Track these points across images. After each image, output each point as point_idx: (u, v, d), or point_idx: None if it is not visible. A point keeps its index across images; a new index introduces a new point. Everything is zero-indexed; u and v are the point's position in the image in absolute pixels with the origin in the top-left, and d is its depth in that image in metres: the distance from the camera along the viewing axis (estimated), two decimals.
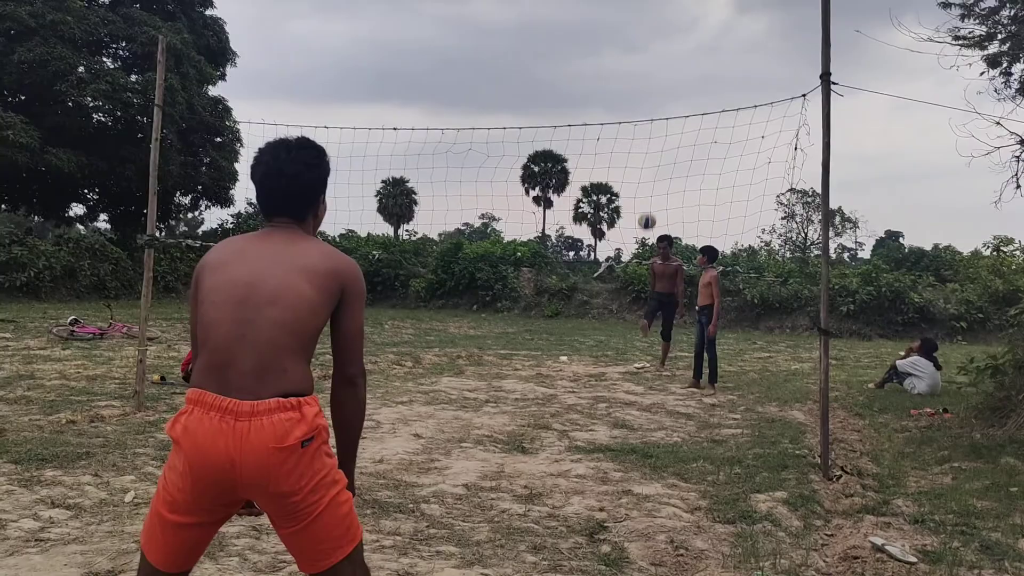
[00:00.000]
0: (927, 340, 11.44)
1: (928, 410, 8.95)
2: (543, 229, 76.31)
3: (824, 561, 4.21)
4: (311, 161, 2.40)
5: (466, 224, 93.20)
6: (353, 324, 2.33)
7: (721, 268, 11.87)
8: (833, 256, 71.11)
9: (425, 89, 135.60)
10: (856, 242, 76.59)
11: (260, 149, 2.42)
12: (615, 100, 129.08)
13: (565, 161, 70.25)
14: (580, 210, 72.81)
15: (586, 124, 7.89)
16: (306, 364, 2.25)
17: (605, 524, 4.69)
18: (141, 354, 7.81)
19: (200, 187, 30.91)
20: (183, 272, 27.46)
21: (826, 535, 4.66)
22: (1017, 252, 24.17)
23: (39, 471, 5.27)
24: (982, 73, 10.62)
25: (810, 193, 66.60)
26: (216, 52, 29.88)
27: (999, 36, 10.22)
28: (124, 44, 27.35)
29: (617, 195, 69.35)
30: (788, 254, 64.05)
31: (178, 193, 31.06)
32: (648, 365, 12.90)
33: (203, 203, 33.02)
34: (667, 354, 12.80)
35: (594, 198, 72.32)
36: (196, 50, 27.90)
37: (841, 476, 5.90)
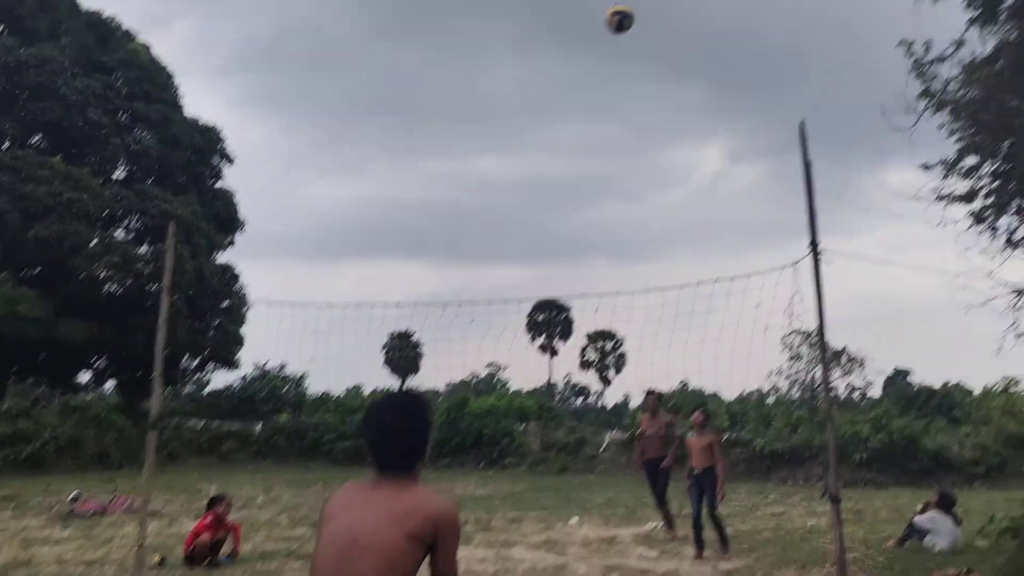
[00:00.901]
0: (944, 495, 11.21)
1: (951, 571, 8.67)
2: (549, 377, 76.34)
3: None
4: (415, 421, 2.70)
5: (472, 375, 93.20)
6: (445, 566, 2.54)
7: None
8: (842, 397, 70.42)
9: (429, 242, 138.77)
10: (865, 381, 76.01)
11: (368, 409, 2.75)
12: (618, 247, 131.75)
13: (569, 309, 71.36)
14: (586, 358, 73.03)
15: (584, 295, 8.09)
16: None
17: None
18: (140, 539, 7.68)
19: (207, 351, 31.20)
20: (187, 439, 27.34)
21: None
22: None
23: None
24: (969, 227, 10.93)
25: (813, 334, 66.87)
26: (225, 221, 30.94)
27: (982, 192, 10.59)
28: (136, 217, 28.34)
29: (622, 341, 69.91)
30: (796, 394, 63.51)
31: (185, 356, 31.30)
32: (660, 525, 12.57)
33: (210, 366, 33.23)
34: (671, 514, 12.22)
35: (599, 345, 72.67)
36: (206, 220, 28.89)
37: None
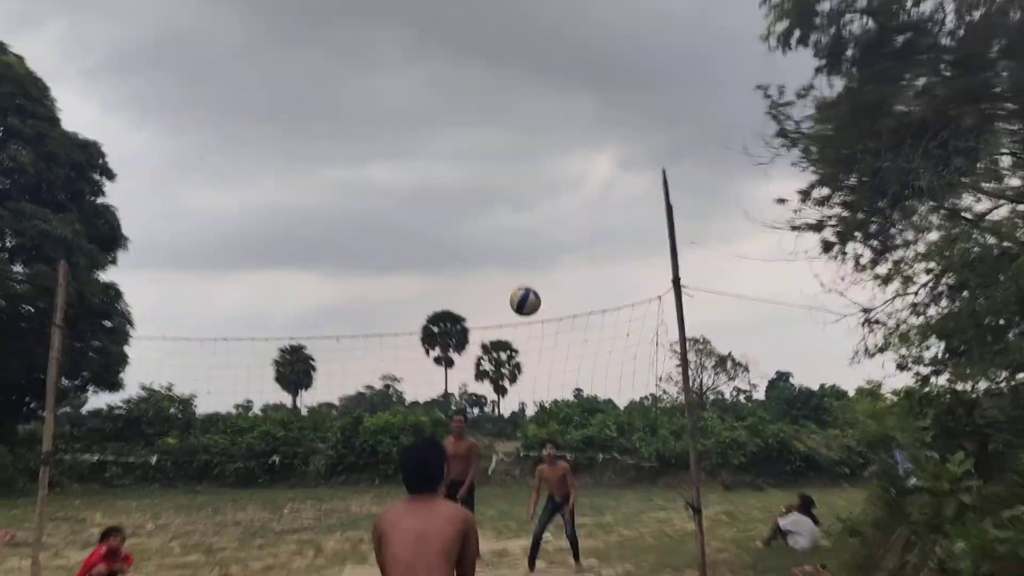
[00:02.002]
0: (805, 497, 12.17)
1: (808, 567, 9.51)
2: (445, 388, 76.54)
3: None
4: (435, 457, 3.88)
5: (368, 387, 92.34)
6: (472, 553, 3.67)
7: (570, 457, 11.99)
8: (729, 399, 73.39)
9: (322, 253, 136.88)
10: (750, 383, 79.37)
11: (401, 452, 3.97)
12: (510, 256, 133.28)
13: (464, 320, 71.99)
14: (481, 368, 73.67)
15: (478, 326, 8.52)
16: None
17: None
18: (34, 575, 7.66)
19: (87, 372, 30.07)
20: (68, 465, 26.41)
21: None
22: (888, 395, 25.67)
23: None
24: (820, 253, 11.95)
25: (700, 340, 69.50)
26: (107, 239, 29.88)
27: (830, 223, 11.62)
28: (12, 236, 27.15)
29: (517, 351, 70.97)
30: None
31: (63, 379, 30.06)
32: (551, 538, 13.04)
33: (91, 388, 31.98)
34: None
35: (495, 355, 73.44)
36: (87, 238, 27.90)
37: None
